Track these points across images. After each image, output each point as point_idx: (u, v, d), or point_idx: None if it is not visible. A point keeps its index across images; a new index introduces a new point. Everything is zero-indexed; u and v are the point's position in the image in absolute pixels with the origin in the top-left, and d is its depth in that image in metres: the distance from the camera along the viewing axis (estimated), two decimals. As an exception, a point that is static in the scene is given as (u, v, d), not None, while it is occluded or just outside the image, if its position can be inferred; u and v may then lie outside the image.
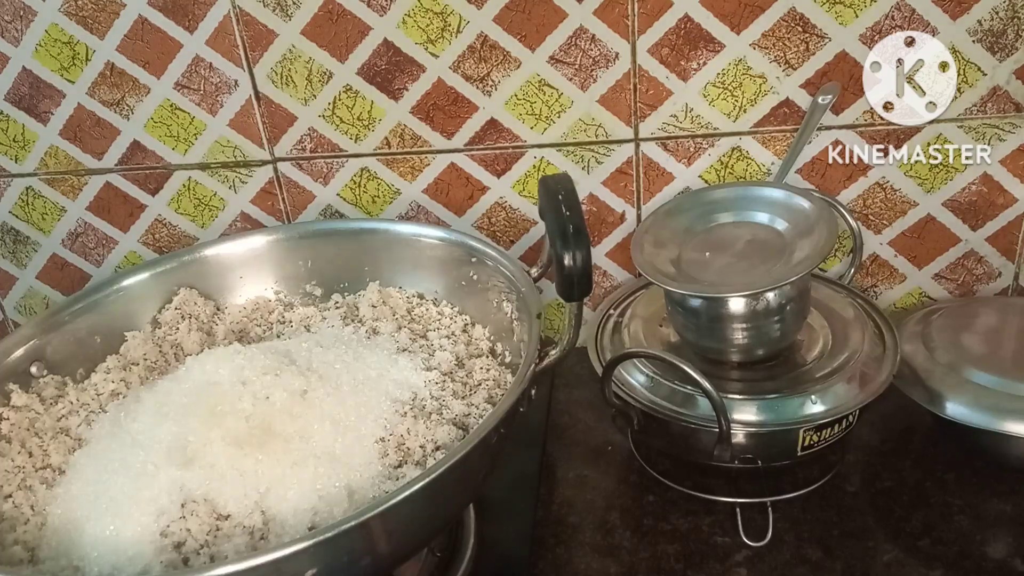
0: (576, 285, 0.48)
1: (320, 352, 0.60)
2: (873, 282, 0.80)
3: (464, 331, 0.67)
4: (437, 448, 0.54)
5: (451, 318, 0.68)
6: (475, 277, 0.66)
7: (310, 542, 0.40)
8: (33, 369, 0.62)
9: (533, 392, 0.53)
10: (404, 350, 0.64)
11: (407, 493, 0.42)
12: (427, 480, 0.43)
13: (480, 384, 0.60)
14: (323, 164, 0.80)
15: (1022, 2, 0.66)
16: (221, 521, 0.49)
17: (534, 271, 0.60)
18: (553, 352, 0.53)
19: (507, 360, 0.63)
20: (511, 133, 0.76)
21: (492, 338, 0.65)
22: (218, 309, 0.71)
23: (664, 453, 0.68)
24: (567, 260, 0.47)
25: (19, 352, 0.61)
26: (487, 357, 0.63)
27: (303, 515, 0.48)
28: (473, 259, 0.66)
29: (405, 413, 0.55)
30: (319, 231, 0.73)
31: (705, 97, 0.73)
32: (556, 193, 0.49)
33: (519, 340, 0.61)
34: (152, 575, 0.46)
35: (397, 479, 0.51)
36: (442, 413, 0.57)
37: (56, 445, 0.58)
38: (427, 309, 0.69)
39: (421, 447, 0.54)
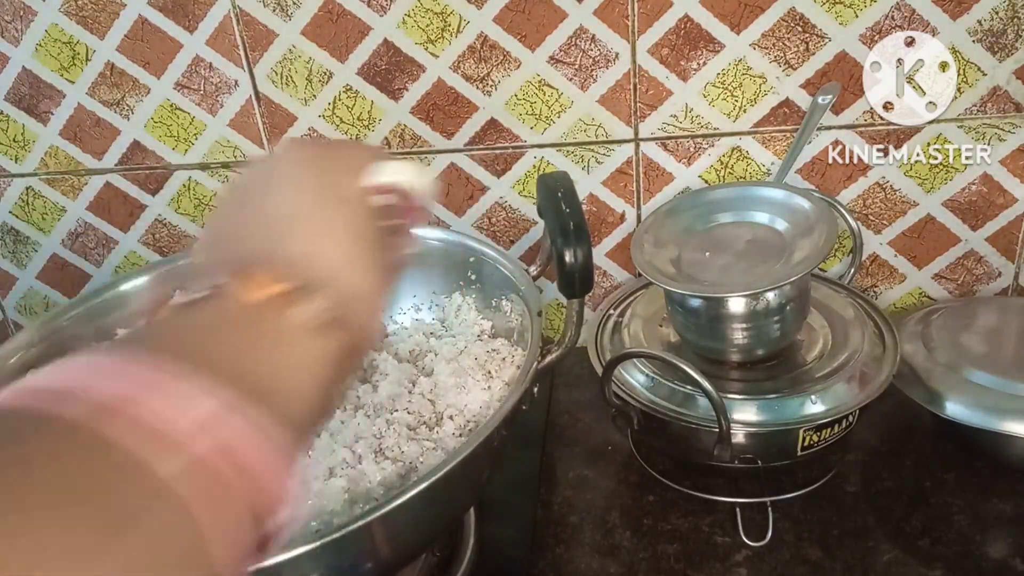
0: (578, 282, 0.48)
1: None
2: (873, 282, 0.80)
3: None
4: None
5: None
6: (473, 277, 0.66)
7: (312, 546, 0.39)
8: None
9: (536, 389, 0.53)
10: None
11: (413, 492, 0.41)
12: (435, 478, 0.42)
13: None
14: (323, 164, 0.79)
15: (1022, 2, 0.66)
16: None
17: (533, 269, 0.60)
18: (556, 349, 0.53)
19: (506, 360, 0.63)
20: (511, 133, 0.76)
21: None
22: None
23: (664, 453, 0.68)
24: (568, 257, 0.47)
25: (14, 360, 0.60)
26: None
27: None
28: (471, 259, 0.65)
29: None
30: None
31: (705, 97, 0.73)
32: (555, 191, 0.49)
33: (519, 339, 0.60)
34: None
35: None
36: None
37: None
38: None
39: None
